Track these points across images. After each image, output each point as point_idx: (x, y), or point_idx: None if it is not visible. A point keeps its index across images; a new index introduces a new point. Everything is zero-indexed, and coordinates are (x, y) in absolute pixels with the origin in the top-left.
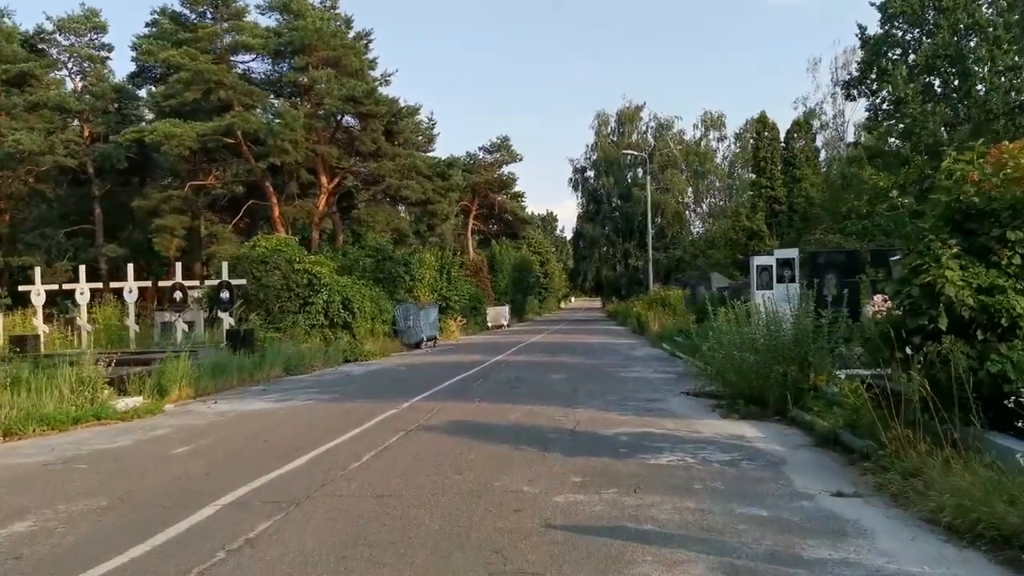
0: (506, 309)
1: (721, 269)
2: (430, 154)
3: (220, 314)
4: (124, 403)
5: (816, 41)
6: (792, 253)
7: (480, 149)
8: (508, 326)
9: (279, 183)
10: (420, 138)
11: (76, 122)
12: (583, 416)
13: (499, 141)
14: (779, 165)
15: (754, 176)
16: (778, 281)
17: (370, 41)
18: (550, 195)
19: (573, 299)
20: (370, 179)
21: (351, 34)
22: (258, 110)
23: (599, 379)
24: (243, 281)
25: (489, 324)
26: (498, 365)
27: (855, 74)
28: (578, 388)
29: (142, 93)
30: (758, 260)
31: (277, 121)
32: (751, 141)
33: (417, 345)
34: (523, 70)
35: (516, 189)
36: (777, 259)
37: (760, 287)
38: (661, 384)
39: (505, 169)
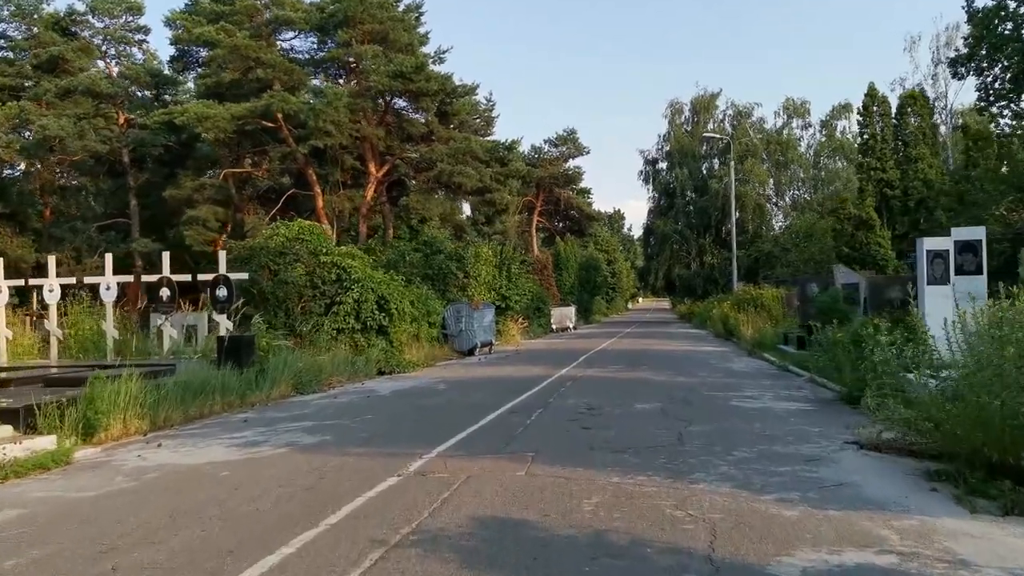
0: (572, 310)
1: (816, 265)
2: (488, 139)
3: (216, 316)
4: (24, 447)
5: (912, 17)
6: (977, 233)
7: (545, 142)
8: (574, 328)
9: (324, 172)
10: (478, 120)
11: (112, 109)
12: (712, 505)
13: (565, 134)
14: (890, 144)
15: (861, 157)
16: (958, 272)
17: (421, 14)
18: (617, 193)
19: (640, 300)
20: (422, 165)
21: (400, 6)
22: (301, 91)
23: (708, 411)
24: (244, 275)
25: (554, 326)
26: (563, 383)
27: (962, 51)
28: (683, 432)
29: (184, 79)
30: (928, 243)
31: (318, 100)
32: (857, 118)
33: (470, 352)
34: (589, 60)
35: (582, 185)
36: (955, 242)
37: (934, 280)
38: (801, 421)
39: (571, 163)
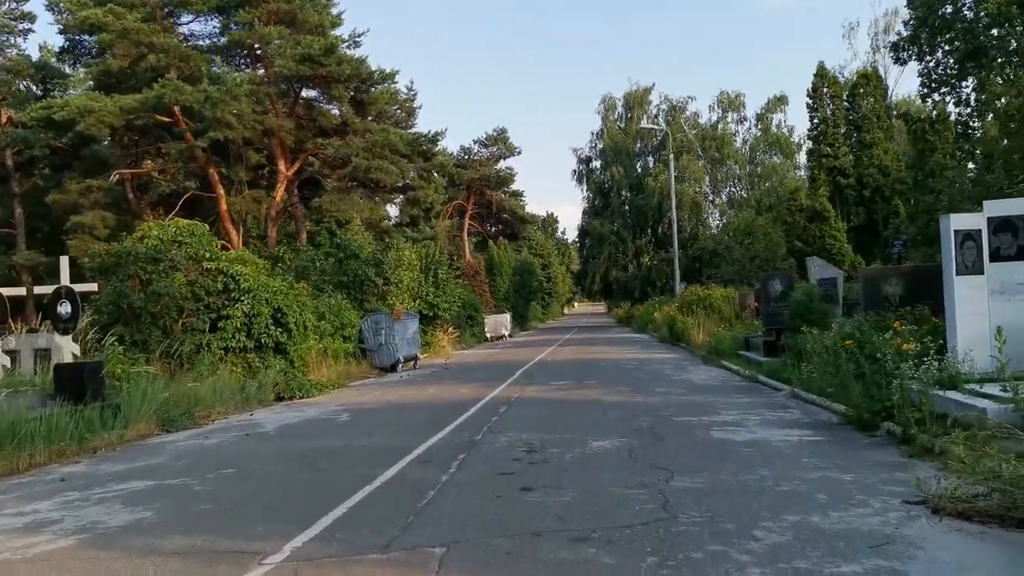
0: (507, 317)
1: (763, 263)
2: (410, 131)
3: (58, 338)
4: None
5: (850, 3)
6: (1019, 207)
7: (475, 142)
8: (510, 336)
9: (228, 171)
10: (398, 111)
11: None
12: None
13: (495, 134)
14: (842, 129)
15: (811, 143)
16: (993, 258)
17: None
18: (551, 196)
19: (576, 304)
20: (336, 161)
21: None
22: (202, 82)
23: (688, 450)
24: (94, 286)
25: (488, 335)
26: (496, 409)
27: (904, 35)
28: (666, 491)
29: (75, 73)
30: (957, 222)
31: (215, 88)
32: (806, 100)
33: (392, 368)
34: (519, 55)
35: (515, 187)
36: (989, 219)
37: (965, 270)
38: (818, 462)
39: (502, 164)
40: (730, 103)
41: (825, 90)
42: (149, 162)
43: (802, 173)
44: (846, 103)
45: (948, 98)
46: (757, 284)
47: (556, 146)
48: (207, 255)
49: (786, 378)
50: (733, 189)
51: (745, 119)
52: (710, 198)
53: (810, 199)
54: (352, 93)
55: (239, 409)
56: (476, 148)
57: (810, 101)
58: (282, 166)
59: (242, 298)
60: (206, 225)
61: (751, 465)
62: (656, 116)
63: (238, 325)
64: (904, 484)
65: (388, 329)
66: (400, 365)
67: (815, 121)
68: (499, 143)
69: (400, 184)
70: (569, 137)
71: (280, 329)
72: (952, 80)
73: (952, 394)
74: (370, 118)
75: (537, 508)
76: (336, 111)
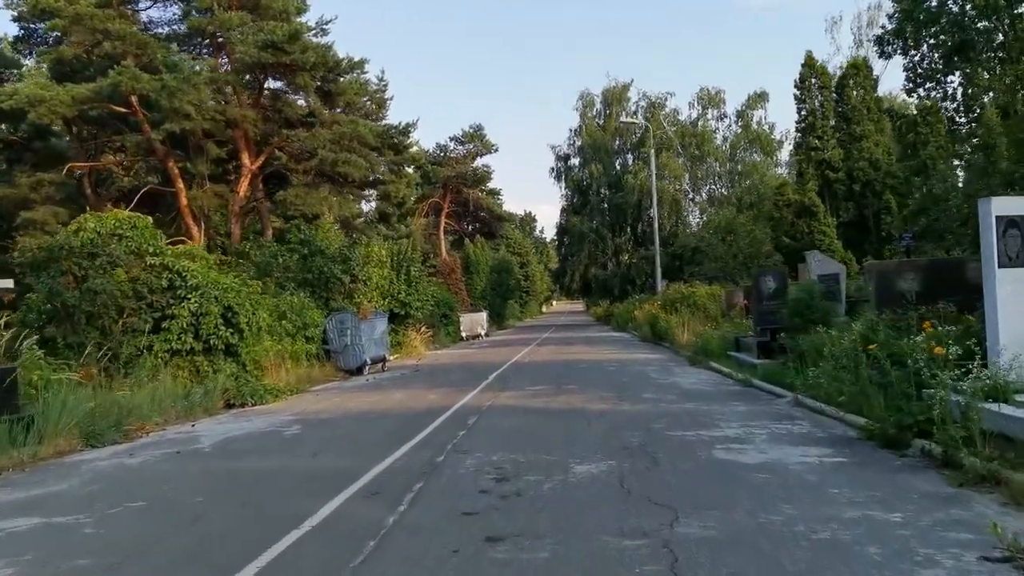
0: (484, 316)
1: (747, 259)
2: (383, 124)
3: None
4: None
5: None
6: None
7: (451, 139)
8: (486, 335)
9: (192, 164)
10: (368, 103)
11: None
12: None
13: (472, 130)
14: (831, 121)
15: (798, 136)
16: None
17: None
18: (529, 196)
19: (555, 303)
20: (303, 154)
21: None
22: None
23: (690, 479)
24: (9, 283)
25: (464, 334)
26: (465, 421)
27: (888, 27)
28: (671, 541)
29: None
30: (999, 206)
31: (172, 75)
32: (794, 91)
33: (359, 370)
34: (493, 54)
35: (492, 185)
36: None
37: (1008, 262)
38: (850, 493)
39: (479, 162)
40: (710, 100)
41: (813, 81)
42: (110, 156)
43: (783, 171)
44: (835, 94)
45: (934, 93)
46: (747, 281)
47: (534, 145)
48: (150, 249)
49: (787, 383)
50: (713, 187)
51: (725, 116)
52: (690, 196)
53: (798, 194)
54: (319, 83)
55: (181, 419)
56: (452, 145)
57: (797, 92)
58: (246, 159)
59: (189, 296)
60: (148, 218)
61: (770, 499)
62: (635, 113)
63: (184, 325)
64: (970, 528)
65: (354, 329)
66: (367, 367)
67: (803, 113)
68: (476, 140)
69: (370, 178)
70: (547, 135)
71: (231, 330)
72: (937, 75)
73: (1007, 408)
74: (339, 110)
75: (506, 571)
76: (303, 102)
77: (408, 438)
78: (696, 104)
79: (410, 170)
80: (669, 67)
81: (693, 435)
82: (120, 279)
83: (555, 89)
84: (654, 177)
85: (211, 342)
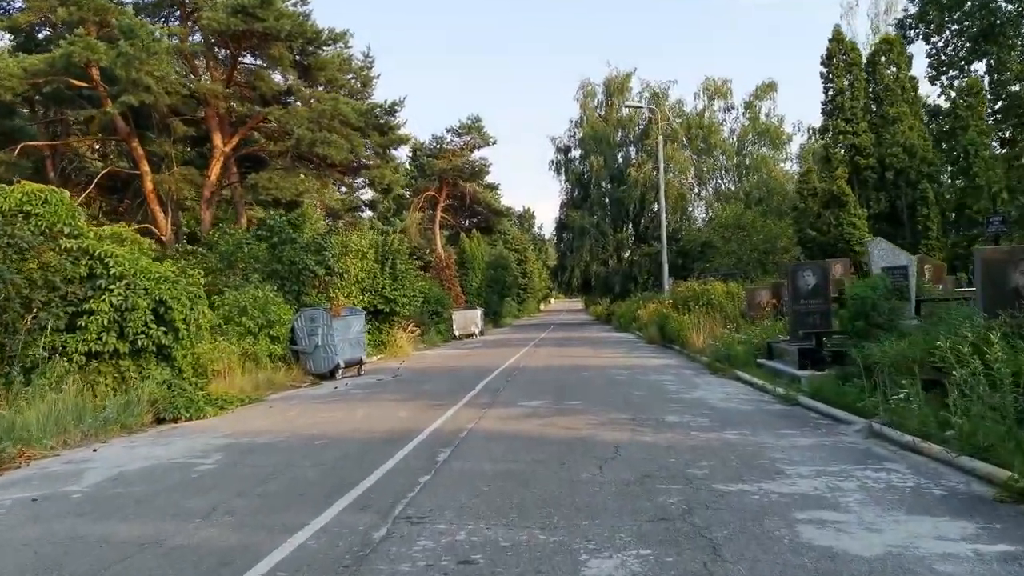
0: (478, 313)
1: (762, 256)
2: (368, 103)
3: None
4: None
5: None
6: None
7: (448, 131)
8: (480, 334)
9: (158, 145)
10: (352, 80)
11: None
12: None
13: (469, 122)
14: (861, 102)
15: (825, 119)
16: None
17: None
18: (528, 194)
19: (552, 300)
20: (279, 135)
21: None
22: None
23: None
24: None
25: (456, 333)
26: (430, 461)
27: (911, 11)
28: None
29: None
30: None
31: (129, 43)
32: (821, 70)
33: (331, 374)
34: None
35: (490, 180)
36: None
37: None
38: None
39: (477, 154)
40: (716, 90)
41: (842, 58)
42: (76, 137)
43: (793, 165)
44: (865, 73)
45: (957, 82)
46: (768, 278)
47: (533, 142)
48: (66, 230)
49: (851, 404)
50: (720, 181)
51: (733, 107)
52: (696, 190)
53: (825, 181)
54: (296, 56)
55: (90, 439)
56: (449, 137)
57: (824, 70)
58: (218, 141)
59: (112, 287)
60: (65, 192)
61: None
62: (638, 103)
63: (105, 322)
64: None
65: (326, 328)
66: (340, 371)
67: (830, 93)
68: (473, 132)
69: (353, 162)
70: (547, 132)
71: (163, 328)
72: (961, 62)
73: None
74: (320, 86)
75: None
76: (280, 78)
77: (348, 485)
78: (702, 95)
79: (397, 153)
80: (673, 59)
81: (756, 491)
82: (32, 266)
83: (556, 86)
84: (662, 167)
85: (139, 343)
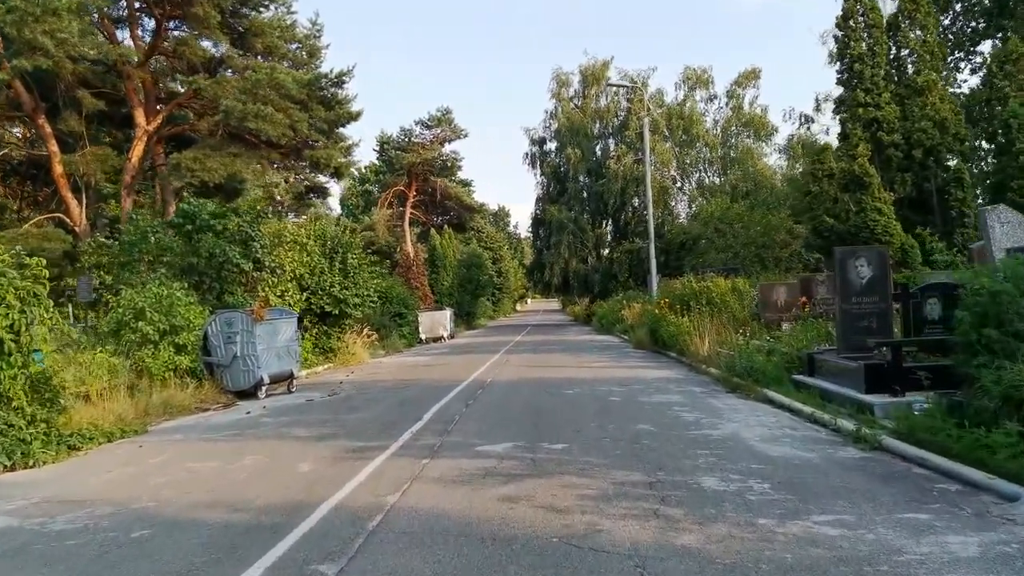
0: (447, 315)
1: (759, 250)
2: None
3: None
4: None
5: None
6: None
7: (417, 123)
8: (450, 337)
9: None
10: (297, 49)
11: None
12: None
13: (439, 115)
14: (883, 70)
15: (842, 89)
16: None
17: None
18: (502, 193)
19: (529, 300)
20: (205, 108)
21: None
22: None
23: None
24: None
25: (423, 336)
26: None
27: None
28: None
29: None
30: None
31: None
32: (835, 32)
33: (254, 391)
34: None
35: (463, 176)
36: None
37: None
38: None
39: (448, 148)
40: (697, 79)
41: (860, 19)
42: None
43: (776, 159)
44: (888, 36)
45: (962, 64)
46: (772, 276)
47: (510, 142)
48: None
49: (999, 461)
50: (704, 174)
51: (715, 96)
52: (678, 184)
53: (844, 161)
54: (228, 18)
55: None
56: (418, 130)
57: (839, 33)
58: (140, 118)
59: None
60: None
61: None
62: (616, 93)
63: None
64: None
65: (246, 334)
66: (264, 388)
67: (846, 60)
68: (443, 124)
69: (295, 141)
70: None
71: None
72: (967, 43)
73: None
74: (259, 58)
75: None
76: (210, 45)
77: None
78: (683, 84)
79: (348, 132)
80: (652, 50)
81: None
82: None
83: (533, 84)
84: (647, 152)
85: None
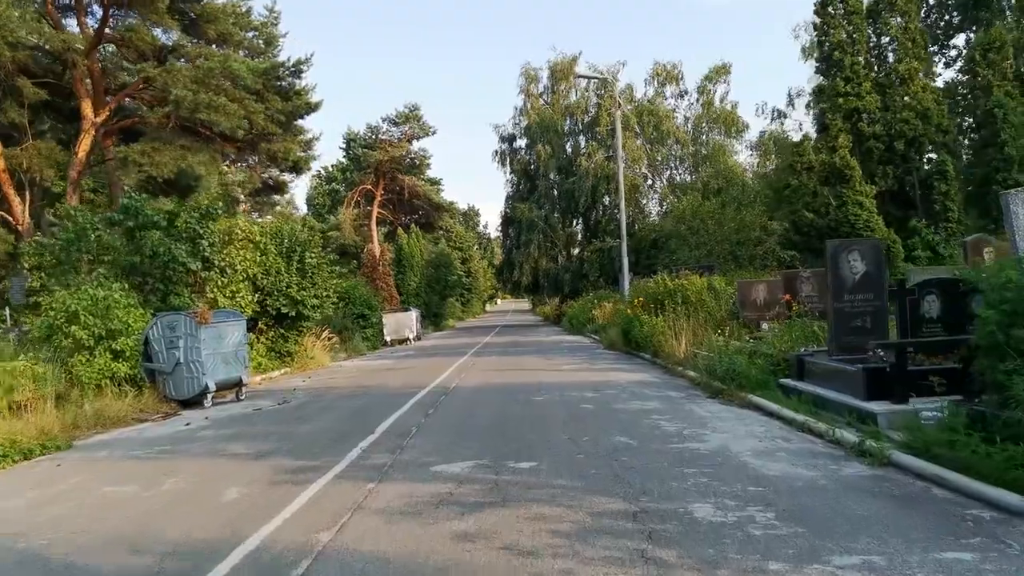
0: (413, 316)
1: (733, 247)
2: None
3: None
4: None
5: None
6: None
7: (384, 120)
8: (417, 339)
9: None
10: (253, 37)
11: None
12: None
13: (407, 111)
14: (863, 58)
15: (821, 78)
16: None
17: None
18: (473, 195)
19: (499, 301)
20: (158, 100)
21: None
22: None
23: None
24: None
25: (388, 338)
26: None
27: None
28: None
29: None
30: None
31: None
32: (813, 20)
33: (199, 399)
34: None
35: (432, 175)
36: None
37: None
38: None
39: (416, 146)
40: (668, 75)
41: (840, 6)
42: None
43: (747, 157)
44: (868, 22)
45: (937, 58)
46: (757, 270)
47: (478, 139)
48: None
49: None
50: (675, 172)
51: (686, 92)
52: (649, 181)
53: (824, 153)
54: (179, 3)
55: None
56: (385, 127)
57: (817, 20)
58: (87, 109)
59: None
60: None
61: None
62: (586, 88)
63: None
64: None
65: (190, 339)
66: (210, 396)
67: (825, 48)
68: (411, 121)
69: (250, 133)
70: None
71: None
72: (941, 37)
73: None
74: (213, 47)
75: None
76: (161, 33)
77: None
78: (652, 80)
79: (307, 124)
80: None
81: None
82: None
83: (503, 78)
84: (620, 146)
85: None
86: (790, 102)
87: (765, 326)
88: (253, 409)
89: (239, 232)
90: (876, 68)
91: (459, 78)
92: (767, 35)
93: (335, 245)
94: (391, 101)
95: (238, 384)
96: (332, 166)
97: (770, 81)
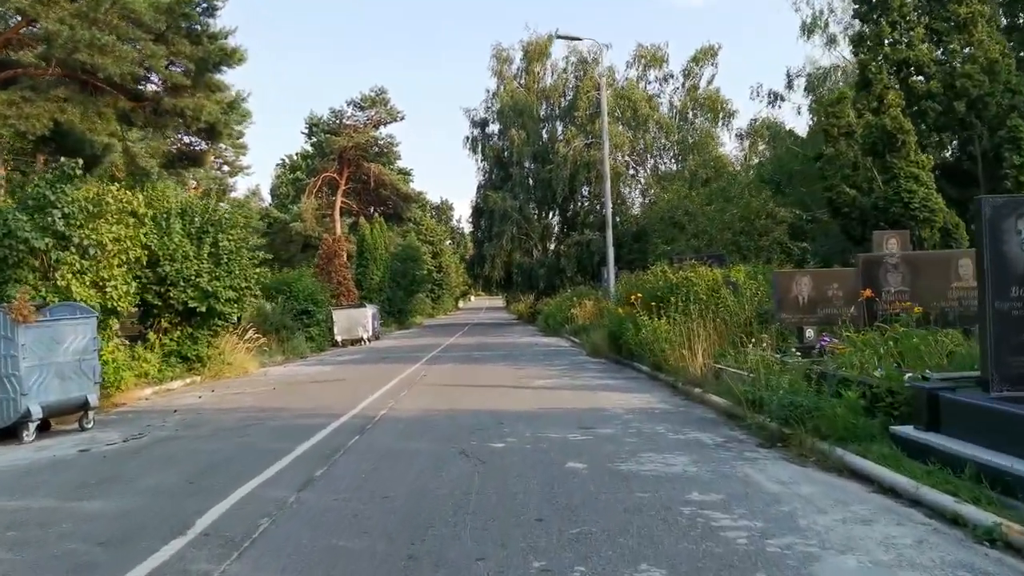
0: (368, 313)
1: (735, 236)
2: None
3: None
4: None
5: None
6: None
7: (349, 104)
8: (375, 338)
9: None
10: None
11: None
12: None
13: (373, 95)
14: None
15: (860, 24)
16: None
17: None
18: (446, 188)
19: (472, 298)
20: (37, 41)
21: None
22: None
23: None
24: None
25: (338, 338)
26: None
27: None
28: None
29: None
30: None
31: None
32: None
33: (14, 431)
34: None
35: (401, 165)
36: None
37: None
38: None
39: (383, 131)
40: (652, 58)
41: None
42: None
43: (732, 147)
44: None
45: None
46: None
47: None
48: None
49: None
50: (659, 160)
51: (671, 76)
52: (631, 170)
53: (867, 111)
54: None
55: None
56: (350, 111)
57: None
58: None
59: None
60: None
61: None
62: (564, 70)
63: None
64: None
65: (3, 344)
66: (32, 425)
67: None
68: (378, 105)
69: (152, 85)
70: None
71: None
72: None
73: None
74: None
75: None
76: None
77: None
78: (635, 63)
79: (227, 79)
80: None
81: None
82: None
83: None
84: (605, 125)
85: None
86: (789, 83)
87: (810, 332)
88: (79, 451)
89: (111, 202)
90: (930, 11)
91: (431, 71)
92: (759, 15)
93: (296, 236)
94: (356, 84)
95: (83, 407)
96: (297, 154)
97: (764, 64)
